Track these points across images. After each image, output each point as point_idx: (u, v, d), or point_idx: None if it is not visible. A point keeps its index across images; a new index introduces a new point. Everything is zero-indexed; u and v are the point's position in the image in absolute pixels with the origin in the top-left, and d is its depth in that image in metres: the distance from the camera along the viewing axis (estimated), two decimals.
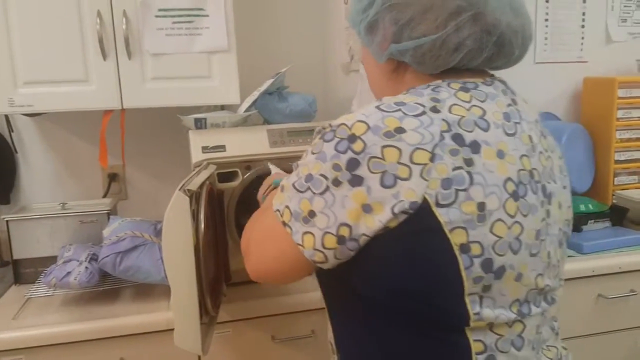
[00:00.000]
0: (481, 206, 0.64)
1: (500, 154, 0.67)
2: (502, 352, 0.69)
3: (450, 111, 0.67)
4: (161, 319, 1.20)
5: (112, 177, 1.71)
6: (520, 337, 0.71)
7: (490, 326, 0.68)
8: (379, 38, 0.75)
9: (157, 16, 1.36)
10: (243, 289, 1.33)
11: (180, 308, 0.97)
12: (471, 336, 0.68)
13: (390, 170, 0.63)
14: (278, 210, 0.71)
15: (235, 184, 1.29)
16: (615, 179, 1.86)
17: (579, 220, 1.61)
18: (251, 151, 1.32)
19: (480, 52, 0.70)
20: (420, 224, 0.63)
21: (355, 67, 1.48)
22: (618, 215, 1.68)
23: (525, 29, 0.73)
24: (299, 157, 1.31)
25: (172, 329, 0.97)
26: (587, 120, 1.94)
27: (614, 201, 1.80)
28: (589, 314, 1.49)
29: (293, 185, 0.70)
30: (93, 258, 1.28)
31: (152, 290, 1.32)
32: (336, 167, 0.65)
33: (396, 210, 0.63)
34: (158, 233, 1.32)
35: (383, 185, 0.63)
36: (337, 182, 0.65)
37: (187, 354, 1.08)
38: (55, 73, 1.34)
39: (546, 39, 2.01)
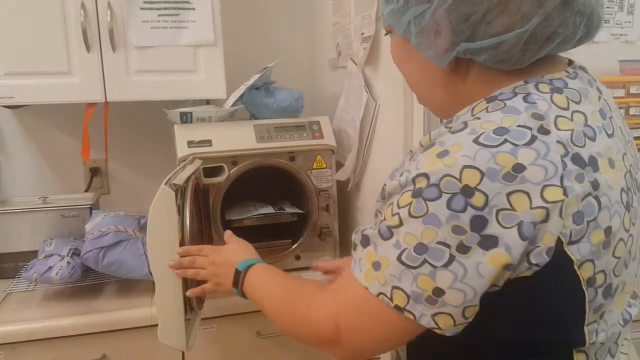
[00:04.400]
0: (607, 231, 0.57)
1: (611, 163, 0.58)
2: None
3: (558, 127, 0.56)
4: (144, 315, 1.19)
5: (94, 172, 1.68)
6: (616, 343, 0.65)
7: None
8: (441, 39, 0.61)
9: (142, 8, 1.34)
10: None
11: (165, 304, 0.97)
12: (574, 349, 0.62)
13: (527, 219, 0.52)
14: (382, 293, 0.59)
15: (221, 179, 1.28)
16: None
17: None
18: (237, 146, 1.31)
19: (574, 37, 0.59)
20: (551, 266, 0.55)
21: (343, 64, 1.48)
22: None
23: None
24: (285, 153, 1.33)
25: (155, 325, 0.97)
26: None
27: None
28: None
29: (399, 259, 0.57)
30: (75, 253, 1.26)
31: (136, 285, 1.31)
32: (457, 229, 0.53)
33: (533, 260, 0.54)
34: (142, 228, 1.30)
35: (523, 238, 0.53)
36: (464, 248, 0.53)
37: (170, 350, 1.07)
38: (37, 64, 1.31)
39: None
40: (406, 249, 0.56)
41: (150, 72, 1.38)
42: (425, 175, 0.55)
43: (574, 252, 0.55)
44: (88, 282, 1.29)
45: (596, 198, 0.56)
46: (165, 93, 1.40)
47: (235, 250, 0.98)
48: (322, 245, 1.41)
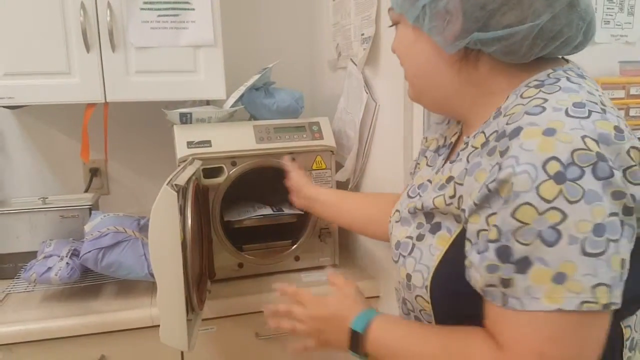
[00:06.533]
0: None
1: None
2: (637, 331, 0.66)
3: (605, 104, 0.61)
4: (144, 316, 1.19)
5: (94, 172, 1.68)
6: None
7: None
8: (452, 25, 0.64)
9: (142, 9, 1.34)
10: (227, 285, 1.32)
11: (167, 304, 0.96)
12: (623, 323, 0.64)
13: None
14: (586, 301, 0.53)
15: (220, 179, 1.28)
16: None
17: None
18: (237, 147, 1.31)
19: (575, 39, 0.64)
20: None
21: (343, 64, 1.47)
22: None
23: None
24: (285, 154, 1.32)
25: (155, 326, 0.96)
26: None
27: None
28: None
29: (584, 253, 0.52)
30: (74, 253, 1.26)
31: (135, 286, 1.30)
32: (616, 194, 0.53)
33: None
34: (141, 229, 1.30)
35: None
36: (628, 210, 0.54)
37: (169, 351, 1.07)
38: (37, 65, 1.31)
39: None
40: (585, 238, 0.52)
41: (149, 72, 1.38)
42: (554, 158, 0.53)
43: None
44: (87, 283, 1.29)
45: None
46: (164, 93, 1.39)
47: (340, 301, 0.81)
48: (321, 247, 1.41)
